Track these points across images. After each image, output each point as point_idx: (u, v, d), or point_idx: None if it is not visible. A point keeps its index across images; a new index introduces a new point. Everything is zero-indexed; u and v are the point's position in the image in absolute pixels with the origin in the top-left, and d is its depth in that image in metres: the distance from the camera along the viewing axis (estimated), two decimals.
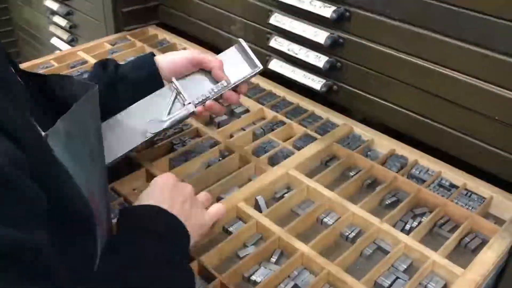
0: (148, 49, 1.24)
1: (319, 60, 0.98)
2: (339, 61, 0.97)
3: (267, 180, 0.83)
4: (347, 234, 0.76)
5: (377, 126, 0.98)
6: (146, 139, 0.77)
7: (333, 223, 0.77)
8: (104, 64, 0.80)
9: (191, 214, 0.64)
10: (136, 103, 0.78)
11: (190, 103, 0.78)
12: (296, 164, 0.86)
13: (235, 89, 0.81)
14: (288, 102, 1.06)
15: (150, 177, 0.84)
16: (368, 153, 0.92)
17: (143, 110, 0.77)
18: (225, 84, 0.80)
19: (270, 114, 1.01)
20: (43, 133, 0.47)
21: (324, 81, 1.00)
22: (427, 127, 0.88)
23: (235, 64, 0.82)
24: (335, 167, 0.87)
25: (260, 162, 0.87)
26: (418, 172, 0.87)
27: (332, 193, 0.81)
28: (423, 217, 0.79)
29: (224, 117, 1.00)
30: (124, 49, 1.25)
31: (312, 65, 0.98)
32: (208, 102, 0.79)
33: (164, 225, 0.59)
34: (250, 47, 0.83)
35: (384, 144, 0.93)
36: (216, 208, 0.69)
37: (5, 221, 0.37)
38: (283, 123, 0.99)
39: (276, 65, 1.06)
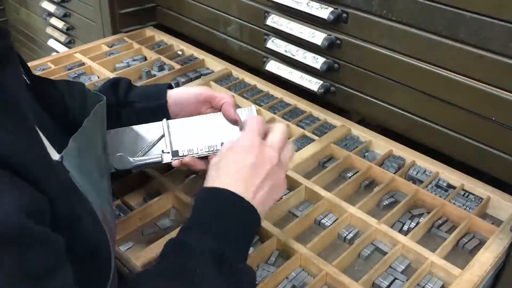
0: (146, 51, 1.25)
1: (317, 61, 0.98)
2: (336, 62, 0.97)
3: None
4: (345, 235, 0.76)
5: (374, 127, 0.98)
6: (110, 171, 0.69)
7: (331, 224, 0.77)
8: (116, 83, 0.77)
9: (269, 195, 0.60)
10: (128, 127, 0.74)
11: (169, 152, 0.73)
12: (294, 165, 0.86)
13: None
14: (286, 103, 1.06)
15: (145, 178, 0.84)
16: (366, 154, 0.92)
17: (127, 138, 0.74)
18: (219, 147, 0.73)
19: (267, 115, 1.01)
20: (57, 156, 0.46)
21: (321, 82, 1.00)
22: (424, 128, 0.88)
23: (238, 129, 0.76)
24: (332, 168, 0.87)
25: None
26: (415, 173, 0.87)
27: (330, 194, 0.81)
28: (421, 218, 0.79)
29: None
30: (122, 50, 1.25)
31: (310, 66, 0.98)
32: (188, 158, 0.73)
33: (234, 221, 0.56)
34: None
35: (381, 145, 0.93)
36: (289, 149, 0.64)
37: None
38: None
39: (273, 66, 1.06)
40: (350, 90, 0.97)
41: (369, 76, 0.93)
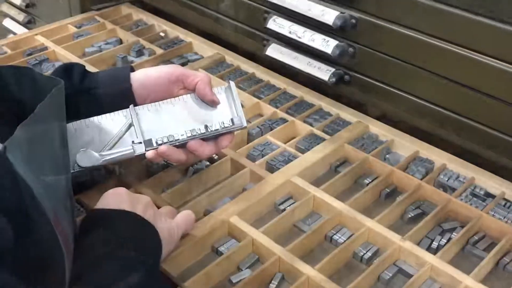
0: (121, 33, 1.24)
1: (327, 44, 0.98)
2: (351, 46, 0.97)
3: (265, 190, 0.83)
4: (362, 254, 0.76)
5: (397, 124, 0.98)
6: (73, 171, 0.72)
7: (344, 241, 0.77)
8: (69, 69, 0.78)
9: (156, 220, 0.67)
10: (88, 120, 0.75)
11: (141, 142, 0.75)
12: (300, 170, 0.86)
13: (214, 139, 0.79)
14: (290, 95, 1.06)
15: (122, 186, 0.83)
16: (387, 156, 0.92)
17: (89, 132, 0.75)
18: (203, 130, 0.77)
19: (268, 110, 1.01)
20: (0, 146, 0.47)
21: (333, 70, 1.00)
22: (457, 124, 0.88)
23: (219, 108, 0.79)
24: (347, 174, 0.87)
25: (256, 168, 0.87)
26: (446, 179, 0.87)
27: (343, 204, 0.81)
28: (453, 233, 0.79)
29: None
30: (92, 32, 1.25)
31: (319, 50, 0.98)
32: (163, 147, 0.75)
33: (131, 229, 0.62)
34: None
35: (405, 145, 0.93)
36: (184, 215, 0.72)
37: None
38: (284, 120, 0.99)
39: (275, 51, 1.06)
40: (368, 79, 0.97)
41: (391, 62, 0.92)
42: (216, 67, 1.14)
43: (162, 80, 0.79)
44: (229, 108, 0.79)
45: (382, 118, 1.01)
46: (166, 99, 0.79)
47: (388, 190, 0.86)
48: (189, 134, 0.76)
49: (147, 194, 0.81)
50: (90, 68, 1.08)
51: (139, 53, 1.18)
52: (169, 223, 0.70)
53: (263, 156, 0.90)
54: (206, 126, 0.77)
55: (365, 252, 0.76)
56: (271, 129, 0.97)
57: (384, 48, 0.93)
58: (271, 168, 0.88)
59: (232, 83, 0.80)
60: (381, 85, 0.96)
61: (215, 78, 1.09)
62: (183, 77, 0.79)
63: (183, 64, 1.15)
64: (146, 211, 0.67)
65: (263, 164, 0.89)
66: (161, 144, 0.76)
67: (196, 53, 1.20)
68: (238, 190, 0.86)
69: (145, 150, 0.75)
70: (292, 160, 0.89)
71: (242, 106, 0.82)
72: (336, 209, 0.80)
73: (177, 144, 0.76)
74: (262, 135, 0.95)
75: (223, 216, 0.78)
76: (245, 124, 0.79)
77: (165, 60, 1.16)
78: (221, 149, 0.81)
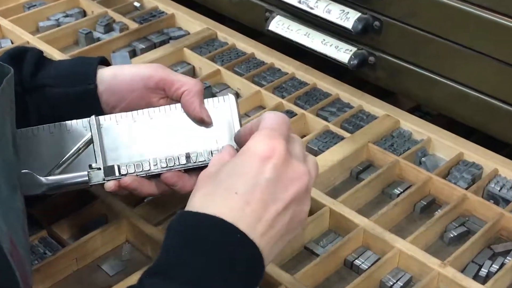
0: (85, 2, 1.24)
1: (347, 17, 0.98)
2: (377, 19, 0.97)
3: None
4: (391, 283, 0.76)
5: (436, 119, 0.98)
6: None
7: (369, 266, 0.77)
8: (19, 56, 0.76)
9: (288, 227, 0.61)
10: (36, 128, 0.73)
11: (100, 168, 0.72)
12: None
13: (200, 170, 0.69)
14: (300, 81, 1.06)
15: (83, 198, 0.83)
16: (423, 159, 0.92)
17: (36, 145, 0.73)
18: (183, 160, 0.73)
19: (271, 100, 1.01)
20: None
21: (354, 49, 1.00)
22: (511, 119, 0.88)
23: (212, 128, 0.75)
24: (371, 182, 0.87)
25: None
26: (498, 188, 0.86)
27: (367, 220, 0.81)
28: (507, 258, 0.79)
29: None
30: (48, 1, 1.24)
31: (337, 25, 0.98)
32: (128, 179, 0.71)
33: (226, 271, 0.57)
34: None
35: (446, 145, 0.93)
36: (316, 168, 0.65)
37: None
38: (292, 114, 0.98)
39: (281, 25, 1.06)
40: (397, 62, 0.97)
41: (426, 39, 0.92)
42: (206, 46, 1.13)
43: (136, 84, 0.75)
44: (225, 129, 0.75)
45: (416, 110, 1.01)
46: (141, 109, 0.75)
47: (424, 203, 0.86)
48: (163, 165, 0.73)
49: (119, 207, 0.81)
50: (46, 49, 1.08)
51: (108, 28, 1.18)
52: (299, 225, 0.63)
53: None
54: (188, 156, 0.73)
55: (395, 281, 0.76)
56: None
57: (419, 21, 0.92)
58: None
59: (231, 96, 0.76)
60: (415, 68, 0.96)
61: (204, 59, 1.09)
62: (164, 84, 0.75)
63: (163, 42, 1.15)
64: (285, 214, 0.60)
65: None
66: (124, 175, 0.72)
67: (180, 28, 1.20)
68: None
69: (104, 180, 0.72)
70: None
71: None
72: (358, 227, 0.80)
73: (147, 175, 0.73)
74: None
75: None
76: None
77: (140, 38, 1.16)
78: None
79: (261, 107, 1.02)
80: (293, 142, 0.64)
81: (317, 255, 0.78)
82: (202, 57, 1.09)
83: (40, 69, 0.76)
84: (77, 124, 0.74)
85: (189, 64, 1.11)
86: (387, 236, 0.79)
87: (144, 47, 1.14)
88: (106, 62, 0.80)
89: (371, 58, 1.00)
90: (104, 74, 0.76)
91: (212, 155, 0.73)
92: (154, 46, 1.14)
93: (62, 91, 0.75)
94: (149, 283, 0.55)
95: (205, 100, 0.76)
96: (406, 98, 1.03)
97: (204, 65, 1.09)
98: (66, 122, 0.74)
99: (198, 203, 0.60)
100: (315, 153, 0.91)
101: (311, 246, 0.80)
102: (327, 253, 0.77)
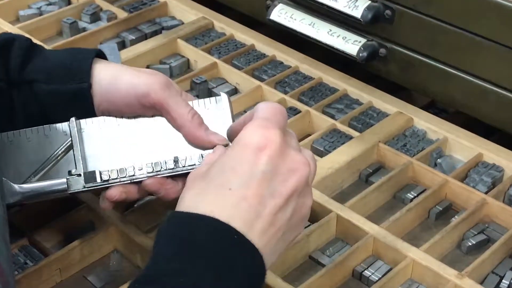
0: None
1: (355, 5, 0.98)
2: (388, 7, 0.96)
3: None
4: None
5: (452, 116, 0.98)
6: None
7: (380, 278, 0.77)
8: (5, 48, 0.75)
9: (289, 226, 0.62)
10: (12, 132, 0.74)
11: (80, 175, 0.72)
12: (318, 180, 0.86)
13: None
14: (304, 75, 1.06)
15: (67, 204, 0.83)
16: (438, 161, 0.92)
17: (12, 149, 0.73)
18: (171, 164, 0.73)
19: (273, 96, 1.01)
20: None
21: (364, 40, 1.00)
22: None
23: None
24: (382, 185, 0.87)
25: None
26: None
27: (377, 228, 0.80)
28: None
29: None
30: None
31: (344, 14, 0.98)
32: (112, 191, 0.72)
33: (222, 276, 0.56)
34: None
35: (464, 145, 0.93)
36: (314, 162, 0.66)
37: None
38: (296, 111, 0.98)
39: (284, 14, 1.06)
40: (411, 54, 0.97)
41: (443, 30, 0.92)
42: (202, 37, 1.13)
43: (131, 100, 0.74)
44: (218, 131, 0.75)
45: (431, 107, 1.01)
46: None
47: (440, 208, 0.86)
48: (149, 170, 0.72)
49: (107, 213, 0.81)
50: None
51: (94, 17, 1.18)
52: (301, 223, 0.64)
53: None
54: (176, 160, 0.73)
55: None
56: None
57: (435, 10, 0.92)
58: None
59: (224, 96, 0.77)
60: (430, 61, 0.96)
61: (199, 51, 1.09)
62: (160, 108, 0.74)
63: (154, 33, 1.15)
64: (285, 210, 0.60)
65: None
66: (107, 181, 0.72)
67: (173, 17, 1.20)
68: None
69: (85, 188, 0.72)
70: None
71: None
72: (367, 234, 0.80)
73: (132, 181, 0.73)
74: None
75: None
76: None
77: (130, 28, 1.16)
78: None
79: None
80: (289, 134, 0.65)
81: (323, 266, 0.78)
82: (197, 49, 1.09)
83: (29, 60, 0.76)
84: (56, 129, 0.74)
85: (183, 56, 1.11)
86: (399, 245, 0.78)
87: (134, 38, 1.13)
88: (102, 55, 0.79)
89: (382, 50, 1.00)
90: (101, 75, 0.75)
91: (203, 159, 0.73)
92: (145, 37, 1.14)
93: (53, 88, 0.75)
94: None
95: (196, 102, 0.76)
96: (420, 94, 1.03)
97: (199, 57, 1.09)
98: (44, 126, 0.74)
99: (188, 203, 0.60)
100: (321, 154, 0.91)
101: (316, 255, 0.80)
102: (333, 263, 0.77)
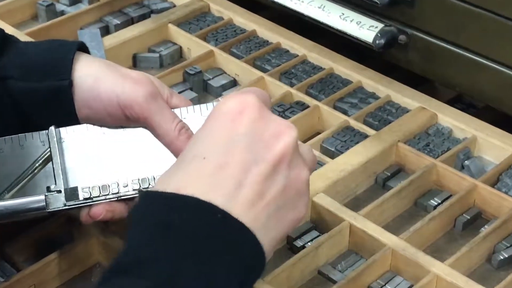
0: None
1: None
2: None
3: None
4: None
5: (481, 112, 0.98)
6: None
7: None
8: None
9: (285, 201, 0.62)
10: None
11: (60, 191, 0.73)
12: (328, 185, 0.86)
13: None
14: (312, 65, 1.06)
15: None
16: (466, 163, 0.92)
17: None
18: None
19: (277, 89, 1.01)
20: None
21: (381, 26, 1.00)
22: None
23: None
24: (402, 191, 0.87)
25: None
26: None
27: (396, 239, 0.80)
28: None
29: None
30: None
31: None
32: (98, 209, 0.72)
33: (207, 261, 0.56)
34: None
35: (495, 145, 0.93)
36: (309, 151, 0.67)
37: None
38: (303, 106, 0.99)
39: None
40: (435, 41, 0.97)
41: (471, 14, 0.92)
42: (196, 22, 1.13)
43: (113, 109, 0.75)
44: None
45: (458, 102, 1.00)
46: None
47: (468, 217, 0.86)
48: (136, 187, 0.73)
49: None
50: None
51: None
52: (301, 202, 0.63)
53: None
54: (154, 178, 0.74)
55: None
56: None
57: None
58: None
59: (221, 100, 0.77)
60: (456, 49, 0.96)
61: (193, 38, 1.09)
62: (144, 123, 0.75)
63: (141, 17, 1.15)
64: (274, 181, 0.60)
65: None
66: (90, 198, 0.72)
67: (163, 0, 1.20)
68: None
69: (66, 206, 0.72)
70: (315, 169, 0.87)
71: None
72: (385, 247, 0.80)
73: (119, 199, 0.73)
74: None
75: None
76: None
77: (114, 11, 1.16)
78: None
79: None
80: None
81: (334, 282, 0.78)
82: (191, 35, 1.10)
83: (2, 54, 0.76)
84: (32, 138, 0.75)
85: (175, 44, 1.11)
86: (421, 258, 0.78)
87: (119, 22, 1.14)
88: (85, 49, 0.80)
89: (402, 37, 1.00)
90: (83, 73, 0.76)
91: None
92: (131, 21, 1.15)
93: (29, 86, 0.75)
94: (118, 284, 0.56)
95: (191, 108, 0.77)
96: (445, 86, 1.03)
97: (193, 45, 1.09)
98: (19, 135, 0.74)
99: (161, 180, 0.61)
100: (332, 155, 0.91)
101: (326, 270, 0.80)
102: (346, 279, 0.77)
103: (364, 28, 1.00)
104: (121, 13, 1.15)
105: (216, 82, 1.04)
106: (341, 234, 0.82)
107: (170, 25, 1.12)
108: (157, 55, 1.09)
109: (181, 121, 0.75)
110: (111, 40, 1.08)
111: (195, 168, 0.60)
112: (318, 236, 0.82)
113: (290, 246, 0.83)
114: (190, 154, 0.61)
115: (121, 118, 0.75)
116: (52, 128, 0.74)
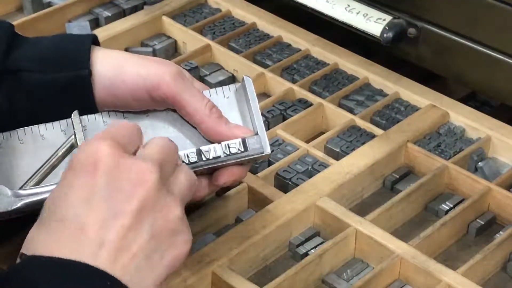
0: None
1: None
2: None
3: (274, 221, 0.83)
4: None
5: (497, 111, 0.98)
6: None
7: None
8: None
9: (155, 244, 0.62)
10: (8, 133, 0.75)
11: None
12: (333, 188, 0.86)
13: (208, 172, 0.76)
14: (316, 60, 1.06)
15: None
16: (480, 164, 0.92)
17: (5, 151, 0.75)
18: (194, 157, 0.75)
19: (278, 85, 1.01)
20: None
21: (389, 18, 1.00)
22: None
23: (229, 120, 0.78)
24: (411, 194, 0.87)
25: (259, 183, 0.87)
26: None
27: (405, 246, 0.81)
28: None
29: None
30: None
31: None
32: None
33: None
34: None
35: (511, 146, 0.93)
36: (187, 176, 0.69)
37: None
38: (306, 104, 0.99)
39: None
40: (447, 35, 0.98)
41: (487, 5, 0.92)
42: (192, 14, 1.14)
43: (140, 94, 0.77)
44: (240, 122, 0.78)
45: (471, 100, 1.00)
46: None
47: (482, 222, 0.86)
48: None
49: None
50: None
51: None
52: (176, 240, 0.65)
53: (270, 164, 0.90)
54: (199, 152, 0.75)
55: None
56: (284, 119, 0.97)
57: None
58: (284, 185, 0.88)
59: (247, 79, 0.79)
60: (470, 43, 0.96)
61: (189, 31, 1.09)
62: (173, 102, 0.76)
63: (134, 9, 1.15)
64: (138, 226, 0.61)
65: (271, 177, 0.89)
66: None
67: None
68: (226, 221, 0.86)
69: None
70: (319, 171, 0.89)
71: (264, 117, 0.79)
72: (393, 254, 0.80)
73: None
74: (269, 129, 0.95)
75: (202, 266, 0.78)
76: (268, 150, 0.77)
77: (105, 3, 1.16)
78: (217, 188, 0.80)
79: (266, 95, 1.02)
80: (148, 144, 0.67)
81: None
82: (187, 28, 1.10)
83: (13, 47, 0.77)
84: (53, 128, 0.75)
85: (169, 37, 1.11)
86: (432, 267, 0.78)
87: (109, 15, 1.14)
88: (95, 40, 0.80)
89: (412, 30, 1.00)
90: (104, 64, 0.77)
91: (229, 150, 0.75)
92: (123, 13, 1.15)
93: (45, 77, 0.76)
94: None
95: (214, 90, 0.79)
96: (457, 83, 1.03)
97: (189, 38, 1.09)
98: (39, 126, 0.75)
99: (29, 239, 0.63)
100: (337, 156, 0.91)
101: (330, 279, 0.80)
102: None
103: (371, 21, 1.00)
104: (112, 5, 1.15)
105: (214, 78, 1.04)
106: (347, 241, 0.82)
107: (164, 18, 1.12)
108: (151, 49, 1.09)
109: (210, 100, 0.77)
110: (101, 33, 1.07)
111: (56, 231, 0.60)
112: (322, 243, 0.82)
113: (292, 253, 0.83)
114: (52, 217, 0.61)
115: (147, 101, 0.77)
116: (76, 112, 0.75)
